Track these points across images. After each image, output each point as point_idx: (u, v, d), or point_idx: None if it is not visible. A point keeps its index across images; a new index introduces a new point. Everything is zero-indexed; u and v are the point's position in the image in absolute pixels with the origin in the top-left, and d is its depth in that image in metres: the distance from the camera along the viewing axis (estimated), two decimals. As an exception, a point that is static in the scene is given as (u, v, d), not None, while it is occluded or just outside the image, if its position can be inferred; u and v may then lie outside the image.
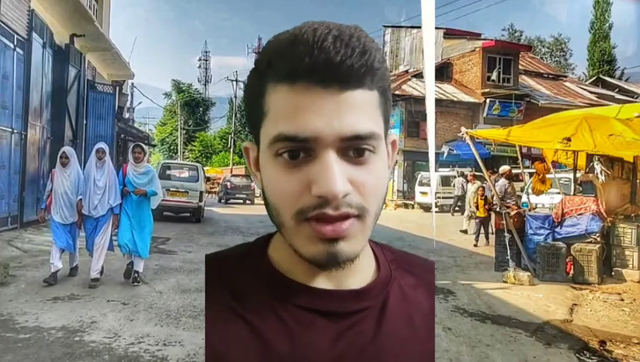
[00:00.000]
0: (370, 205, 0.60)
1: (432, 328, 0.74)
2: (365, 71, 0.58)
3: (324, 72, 0.56)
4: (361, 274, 0.69)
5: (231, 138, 42.28)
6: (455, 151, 21.50)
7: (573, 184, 8.77)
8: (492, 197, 9.70)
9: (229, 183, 25.23)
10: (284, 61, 0.58)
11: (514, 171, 10.67)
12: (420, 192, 20.57)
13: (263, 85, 0.61)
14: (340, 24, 0.59)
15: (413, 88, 23.93)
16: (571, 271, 7.06)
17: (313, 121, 0.57)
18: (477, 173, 13.77)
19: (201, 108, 53.18)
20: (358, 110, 0.58)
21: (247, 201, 24.61)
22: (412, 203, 22.28)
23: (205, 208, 15.89)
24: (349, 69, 0.57)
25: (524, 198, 11.47)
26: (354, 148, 0.59)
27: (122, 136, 19.10)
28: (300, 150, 0.58)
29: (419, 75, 26.65)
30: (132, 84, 33.80)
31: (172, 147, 50.06)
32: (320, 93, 0.57)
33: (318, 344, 0.65)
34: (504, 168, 9.87)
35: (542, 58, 39.72)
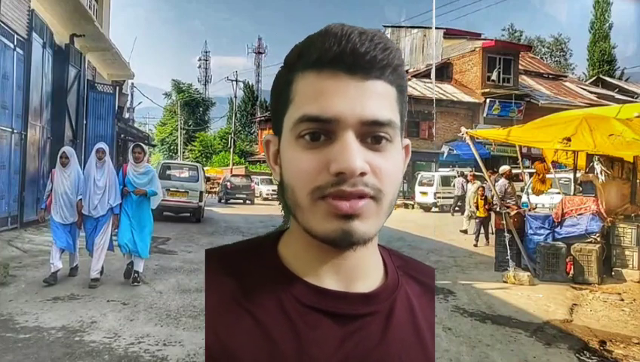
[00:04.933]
0: (385, 188, 0.62)
1: (434, 335, 0.75)
2: (387, 64, 0.62)
3: (350, 60, 0.60)
4: (369, 277, 0.70)
5: (231, 138, 42.20)
6: (455, 151, 21.52)
7: (573, 184, 8.77)
8: (492, 197, 9.70)
9: (229, 183, 25.18)
10: (314, 50, 0.62)
11: (514, 171, 10.67)
12: (420, 192, 20.56)
13: (291, 76, 0.65)
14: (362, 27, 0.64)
15: (413, 88, 23.94)
16: (571, 271, 7.06)
17: (337, 104, 0.60)
18: (477, 173, 13.76)
19: (201, 108, 53.17)
20: (379, 98, 0.62)
21: (247, 201, 24.47)
22: (412, 203, 22.28)
23: (205, 208, 15.89)
24: (373, 59, 0.61)
25: (524, 198, 11.46)
26: (372, 134, 0.61)
27: (122, 136, 19.08)
28: (321, 132, 0.61)
29: (419, 75, 26.68)
30: (132, 84, 33.83)
31: (172, 147, 50.03)
32: (345, 80, 0.61)
33: (324, 345, 0.64)
34: (504, 168, 9.88)
35: (542, 58, 39.75)
